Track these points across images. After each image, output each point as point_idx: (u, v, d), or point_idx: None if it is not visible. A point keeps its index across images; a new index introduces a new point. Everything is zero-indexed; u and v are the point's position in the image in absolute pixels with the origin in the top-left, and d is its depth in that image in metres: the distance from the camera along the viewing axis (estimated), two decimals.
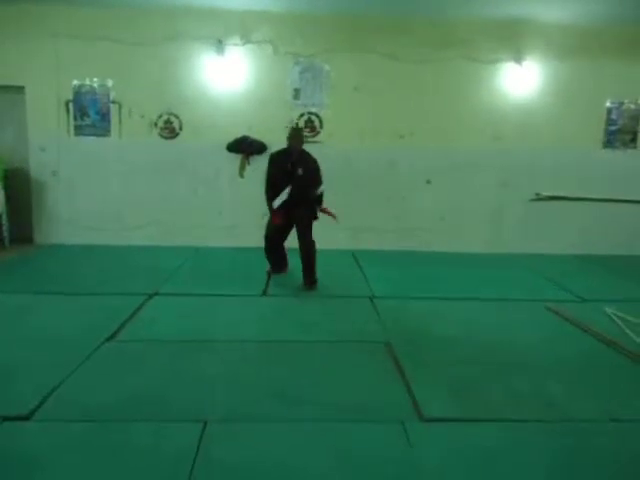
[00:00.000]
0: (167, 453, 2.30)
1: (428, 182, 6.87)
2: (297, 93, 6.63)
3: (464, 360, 3.42)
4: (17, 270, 5.46)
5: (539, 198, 6.93)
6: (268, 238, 5.18)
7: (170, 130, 6.64)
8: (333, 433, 2.50)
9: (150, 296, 4.58)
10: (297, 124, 6.56)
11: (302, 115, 6.67)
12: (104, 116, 6.57)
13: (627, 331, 3.97)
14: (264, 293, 4.79)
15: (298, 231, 5.01)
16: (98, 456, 2.27)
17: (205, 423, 2.53)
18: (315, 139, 6.68)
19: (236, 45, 6.49)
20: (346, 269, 5.80)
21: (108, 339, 3.58)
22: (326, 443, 2.42)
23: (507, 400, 2.88)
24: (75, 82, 6.49)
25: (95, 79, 6.50)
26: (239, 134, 6.60)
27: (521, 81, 6.66)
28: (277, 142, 6.60)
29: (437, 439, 2.48)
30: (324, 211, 5.14)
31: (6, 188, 6.39)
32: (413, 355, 3.45)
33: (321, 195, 5.12)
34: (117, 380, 2.98)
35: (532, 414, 2.74)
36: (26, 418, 2.55)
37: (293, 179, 4.88)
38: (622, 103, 6.79)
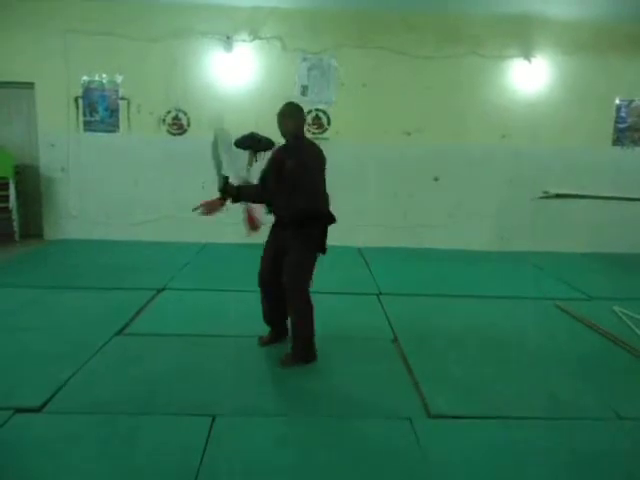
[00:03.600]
0: (176, 446, 2.32)
1: (436, 179, 6.86)
2: (305, 90, 6.64)
3: (471, 357, 3.43)
4: (27, 265, 5.51)
5: (547, 196, 6.90)
6: (260, 276, 3.45)
7: (178, 126, 6.66)
8: (341, 428, 2.52)
9: (159, 291, 4.61)
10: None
11: (310, 112, 6.67)
12: (113, 112, 6.60)
13: (635, 329, 3.96)
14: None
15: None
16: (108, 449, 2.30)
17: (214, 417, 2.55)
18: (323, 136, 6.69)
19: (244, 41, 6.50)
20: (353, 266, 5.80)
21: (117, 333, 3.61)
22: (334, 438, 2.43)
23: (514, 397, 2.89)
24: (84, 78, 6.53)
25: (104, 75, 6.53)
26: (247, 130, 6.59)
27: (530, 78, 6.63)
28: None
29: (444, 436, 2.49)
30: None
31: (16, 184, 6.44)
32: (421, 352, 3.46)
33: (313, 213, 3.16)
34: (126, 374, 3.01)
35: (538, 411, 2.75)
36: (38, 410, 2.58)
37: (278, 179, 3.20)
38: (632, 101, 6.74)
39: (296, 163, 3.12)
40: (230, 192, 3.41)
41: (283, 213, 3.22)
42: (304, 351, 3.23)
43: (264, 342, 3.53)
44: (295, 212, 3.13)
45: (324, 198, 3.24)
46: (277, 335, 3.54)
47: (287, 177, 3.11)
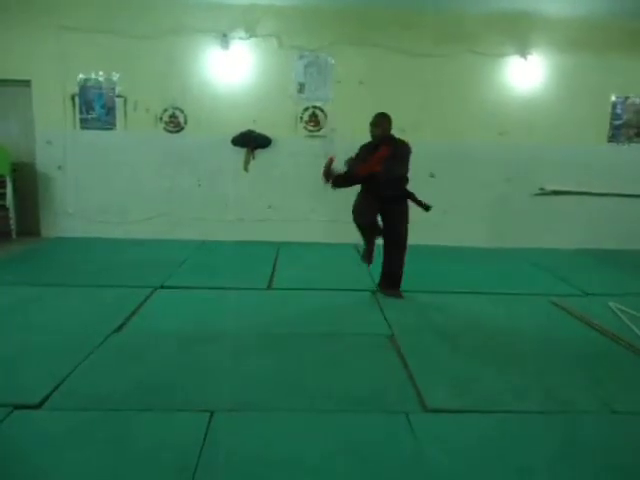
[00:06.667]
0: (175, 442, 2.33)
1: (432, 176, 6.88)
2: (302, 87, 6.65)
3: (467, 352, 3.45)
4: (24, 262, 5.52)
5: (543, 192, 6.93)
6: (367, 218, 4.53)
7: (175, 124, 6.67)
8: (337, 423, 2.53)
9: (156, 289, 4.62)
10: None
11: (307, 109, 6.68)
12: (110, 110, 6.60)
13: (630, 325, 3.99)
14: (269, 286, 4.83)
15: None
16: (107, 444, 2.31)
17: (212, 413, 2.57)
18: (319, 133, 6.70)
19: (241, 39, 6.50)
20: (349, 263, 5.82)
21: (115, 331, 3.62)
22: (330, 433, 2.45)
23: (509, 391, 2.91)
24: (81, 76, 6.52)
25: (101, 73, 6.53)
26: (244, 128, 6.63)
27: (526, 75, 6.66)
28: (282, 136, 6.67)
29: (440, 430, 2.51)
30: None
31: (13, 181, 6.44)
32: (416, 347, 3.49)
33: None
34: (124, 371, 3.02)
35: (533, 406, 2.77)
36: (37, 407, 2.59)
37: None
38: (627, 97, 6.78)
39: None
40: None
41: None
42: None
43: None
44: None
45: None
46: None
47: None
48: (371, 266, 4.75)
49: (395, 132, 6.78)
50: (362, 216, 4.47)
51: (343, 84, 6.63)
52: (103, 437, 2.37)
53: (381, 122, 4.49)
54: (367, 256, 4.68)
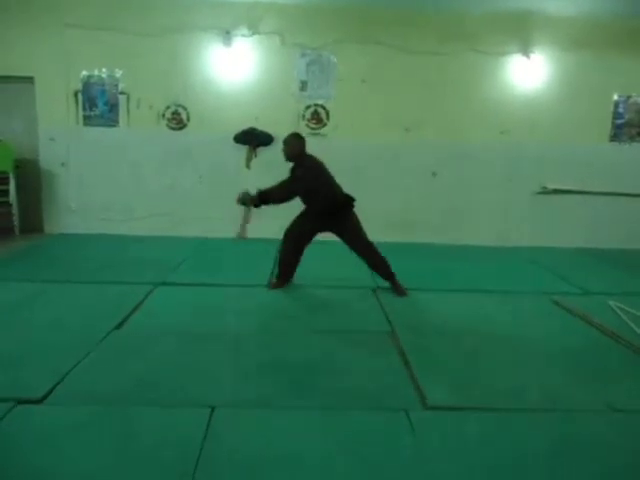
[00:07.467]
0: (176, 437, 2.35)
1: (434, 175, 6.88)
2: (304, 85, 6.65)
3: (468, 350, 3.46)
4: (27, 259, 5.54)
5: (545, 191, 6.93)
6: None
7: (178, 121, 6.68)
8: (337, 420, 2.55)
9: (157, 286, 4.63)
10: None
11: (309, 107, 6.69)
12: (113, 107, 6.62)
13: (630, 324, 3.99)
14: (270, 283, 4.84)
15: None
16: (108, 439, 2.33)
17: (213, 409, 2.58)
18: (321, 131, 6.71)
19: (244, 36, 6.51)
20: (349, 261, 5.81)
21: (116, 327, 3.64)
22: (331, 430, 2.46)
23: (509, 389, 2.92)
24: (84, 73, 6.54)
25: (104, 70, 6.55)
26: (246, 125, 6.64)
27: (528, 74, 6.65)
28: (284, 134, 6.64)
29: (440, 427, 2.52)
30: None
31: (16, 178, 6.46)
32: (417, 344, 3.50)
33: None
34: (125, 367, 3.03)
35: (533, 404, 2.78)
36: (39, 402, 2.61)
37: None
38: (629, 97, 6.77)
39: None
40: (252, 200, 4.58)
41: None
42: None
43: (275, 286, 4.68)
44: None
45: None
46: (287, 280, 4.75)
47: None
48: None
49: (398, 131, 6.85)
50: (294, 243, 4.66)
51: (345, 82, 6.64)
52: (104, 432, 2.38)
53: (290, 142, 4.61)
54: (273, 282, 4.78)
